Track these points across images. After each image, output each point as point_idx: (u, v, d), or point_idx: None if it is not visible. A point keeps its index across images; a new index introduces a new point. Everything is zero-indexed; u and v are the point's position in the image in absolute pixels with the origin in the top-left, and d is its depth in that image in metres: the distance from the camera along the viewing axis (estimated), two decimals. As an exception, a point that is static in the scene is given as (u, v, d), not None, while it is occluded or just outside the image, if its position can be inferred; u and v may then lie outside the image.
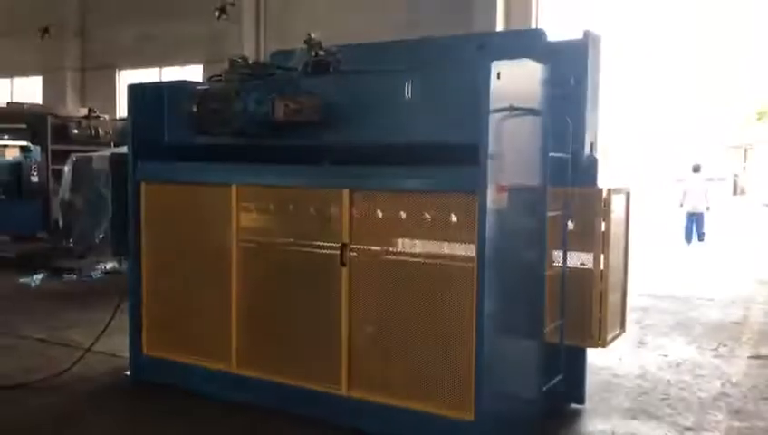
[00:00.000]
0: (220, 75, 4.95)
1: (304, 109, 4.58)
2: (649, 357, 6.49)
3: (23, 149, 13.99)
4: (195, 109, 4.75)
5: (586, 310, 4.71)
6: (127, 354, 5.63)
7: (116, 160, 5.92)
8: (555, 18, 13.96)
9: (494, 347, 4.07)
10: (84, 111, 16.34)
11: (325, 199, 4.66)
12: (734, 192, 39.61)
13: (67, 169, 11.78)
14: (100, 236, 10.68)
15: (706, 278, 11.12)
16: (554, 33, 4.87)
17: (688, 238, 17.33)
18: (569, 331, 4.74)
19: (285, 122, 4.57)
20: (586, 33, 4.73)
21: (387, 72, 4.61)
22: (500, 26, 13.78)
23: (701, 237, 17.39)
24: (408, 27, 13.79)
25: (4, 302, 8.36)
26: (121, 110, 19.42)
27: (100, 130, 15.25)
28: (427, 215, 4.32)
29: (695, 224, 17.36)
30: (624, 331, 5.13)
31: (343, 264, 4.52)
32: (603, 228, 4.69)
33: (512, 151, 4.19)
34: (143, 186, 5.41)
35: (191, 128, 4.88)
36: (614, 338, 4.92)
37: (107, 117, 16.37)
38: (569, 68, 4.68)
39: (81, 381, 5.49)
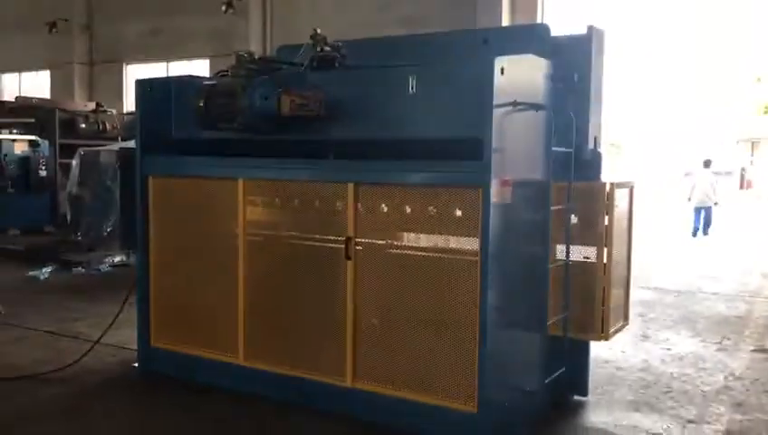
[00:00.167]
0: (227, 70, 4.99)
1: (310, 104, 4.63)
2: (653, 350, 6.52)
3: (31, 143, 14.09)
4: (202, 104, 4.80)
5: (589, 303, 4.75)
6: (135, 346, 5.70)
7: (124, 155, 5.99)
8: (560, 14, 13.93)
9: (497, 340, 4.11)
10: (92, 106, 16.46)
11: (330, 193, 4.70)
12: (741, 186, 39.48)
13: (75, 162, 11.87)
14: (108, 229, 10.79)
15: (712, 272, 11.12)
16: (558, 29, 4.90)
17: (696, 232, 17.42)
18: (572, 324, 4.78)
19: (291, 117, 4.62)
20: (589, 28, 4.75)
21: (391, 68, 4.64)
22: (505, 22, 13.76)
23: (706, 231, 17.44)
24: (413, 23, 13.82)
25: (14, 294, 8.43)
26: (128, 104, 19.50)
27: (107, 125, 15.38)
28: (432, 209, 4.36)
29: (702, 217, 17.46)
30: (627, 324, 5.17)
31: (348, 257, 4.57)
32: (606, 222, 4.72)
33: (515, 146, 4.22)
34: (150, 180, 5.47)
35: (198, 122, 4.92)
36: (617, 331, 4.96)
37: (114, 111, 16.47)
38: (572, 63, 4.71)
39: (89, 373, 5.56)
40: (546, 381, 4.71)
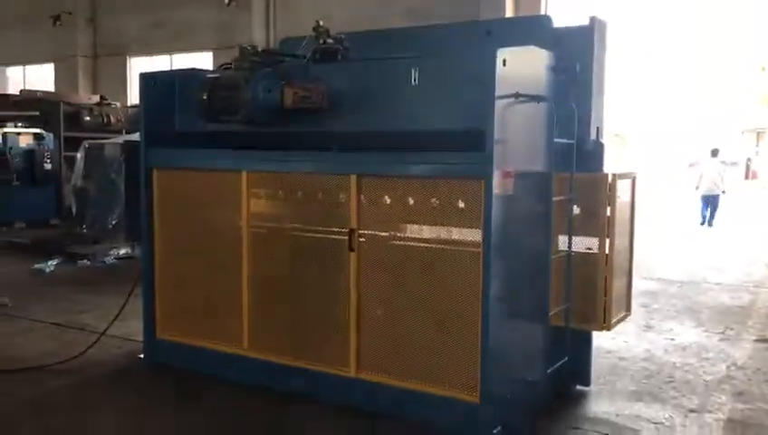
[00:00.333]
0: (230, 63, 5.01)
1: (313, 96, 4.65)
2: (656, 341, 6.54)
3: (36, 136, 14.13)
4: (205, 97, 4.82)
5: (591, 294, 4.77)
6: (141, 338, 5.75)
7: (129, 147, 6.02)
8: (563, 7, 13.90)
9: (499, 330, 4.14)
10: (96, 99, 16.49)
11: (333, 185, 4.73)
12: (747, 177, 39.38)
13: (79, 155, 11.91)
14: (113, 222, 10.84)
15: (716, 263, 11.12)
16: (561, 20, 4.90)
17: (704, 221, 17.48)
18: (574, 314, 4.81)
19: (294, 109, 4.64)
20: (592, 19, 4.76)
21: (394, 60, 4.66)
22: (509, 14, 13.74)
23: (711, 222, 17.45)
24: (415, 14, 13.81)
25: (20, 287, 8.49)
26: (132, 97, 19.54)
27: (111, 118, 15.41)
28: (434, 200, 4.39)
29: (709, 207, 17.52)
30: (629, 314, 5.19)
31: (352, 249, 4.60)
32: (609, 213, 4.74)
33: (518, 137, 4.24)
34: (155, 172, 5.49)
35: (202, 115, 4.94)
36: (618, 321, 4.98)
37: (118, 104, 16.50)
38: (575, 54, 4.71)
39: (95, 365, 5.61)
40: (548, 372, 4.74)
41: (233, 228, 5.14)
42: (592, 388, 5.17)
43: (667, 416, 4.75)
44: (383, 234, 4.63)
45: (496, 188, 4.02)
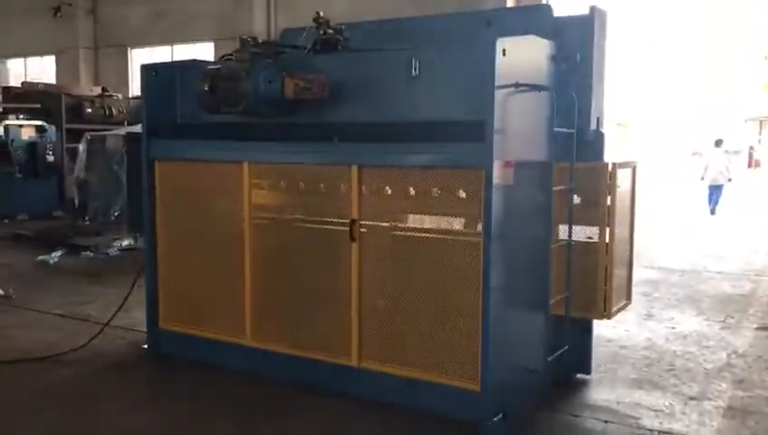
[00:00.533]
0: (231, 55, 5.02)
1: (313, 87, 4.66)
2: (657, 329, 6.56)
3: (38, 128, 14.14)
4: (206, 88, 4.83)
5: (591, 283, 4.79)
6: (144, 329, 5.78)
7: (130, 139, 6.04)
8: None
9: (500, 319, 4.16)
10: (98, 90, 16.50)
11: (334, 176, 4.74)
12: (749, 165, 39.31)
13: (82, 147, 11.95)
14: (116, 213, 10.88)
15: (718, 251, 11.13)
16: (562, 9, 4.90)
17: (713, 210, 17.54)
18: (575, 303, 4.82)
19: (295, 100, 4.65)
20: (592, 9, 4.75)
21: (394, 50, 4.66)
22: (510, 4, 13.70)
23: (713, 211, 17.46)
24: (416, 4, 13.75)
25: (24, 278, 8.54)
26: (134, 88, 19.54)
27: (113, 109, 15.44)
28: (435, 190, 4.40)
29: (714, 196, 17.56)
30: (630, 303, 5.21)
31: (353, 239, 4.62)
32: (609, 202, 4.75)
33: (518, 127, 4.24)
34: (156, 163, 5.52)
35: (203, 107, 4.96)
36: (619, 310, 5.00)
37: (120, 96, 16.51)
38: (575, 43, 4.71)
39: (99, 355, 5.65)
40: (549, 360, 4.76)
41: (235, 219, 5.17)
42: (593, 376, 5.20)
43: (667, 403, 4.78)
44: (384, 224, 4.65)
45: (497, 178, 4.04)
